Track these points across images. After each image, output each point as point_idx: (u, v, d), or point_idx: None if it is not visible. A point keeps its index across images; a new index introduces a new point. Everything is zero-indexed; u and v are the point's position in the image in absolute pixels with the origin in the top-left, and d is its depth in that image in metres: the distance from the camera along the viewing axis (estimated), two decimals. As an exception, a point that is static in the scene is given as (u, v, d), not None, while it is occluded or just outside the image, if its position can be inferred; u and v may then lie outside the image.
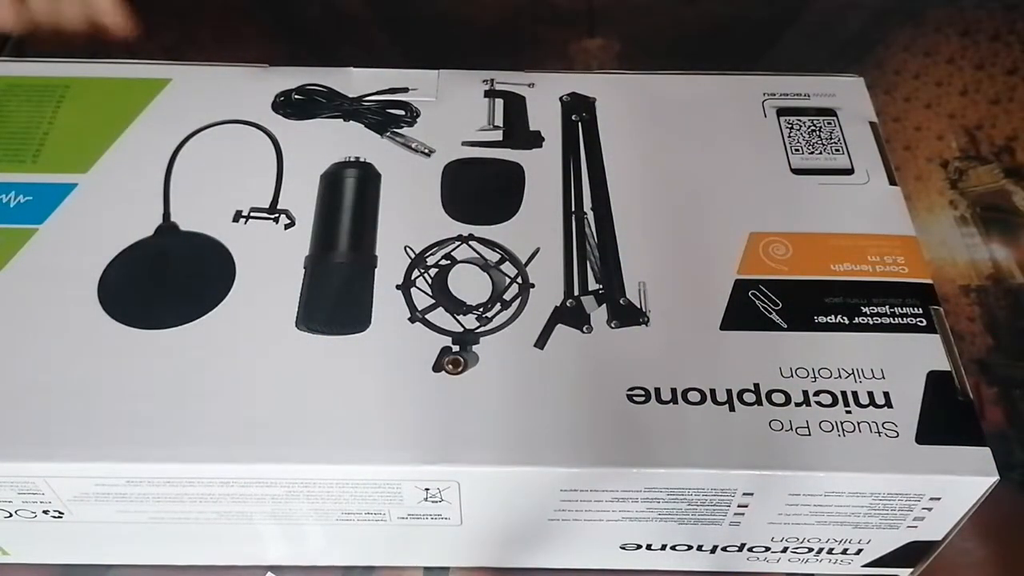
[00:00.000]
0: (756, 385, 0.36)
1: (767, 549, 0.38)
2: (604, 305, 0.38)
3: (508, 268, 0.39)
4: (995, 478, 0.34)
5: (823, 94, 0.46)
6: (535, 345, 0.37)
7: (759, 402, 0.35)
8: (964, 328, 0.48)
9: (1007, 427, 0.44)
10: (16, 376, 0.35)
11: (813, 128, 0.44)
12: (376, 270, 0.39)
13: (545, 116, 0.45)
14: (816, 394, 0.35)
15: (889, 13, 0.62)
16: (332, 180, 0.42)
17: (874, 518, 0.36)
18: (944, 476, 0.34)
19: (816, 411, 0.35)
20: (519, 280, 0.39)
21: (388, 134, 0.44)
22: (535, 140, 0.44)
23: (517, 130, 0.44)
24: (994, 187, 0.54)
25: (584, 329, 0.37)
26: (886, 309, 0.38)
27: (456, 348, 0.36)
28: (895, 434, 0.34)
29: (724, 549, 0.38)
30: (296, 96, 0.45)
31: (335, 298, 0.38)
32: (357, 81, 0.46)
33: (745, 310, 0.38)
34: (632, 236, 0.40)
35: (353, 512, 0.36)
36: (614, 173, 0.42)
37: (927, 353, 0.37)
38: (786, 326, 0.37)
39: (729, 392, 0.35)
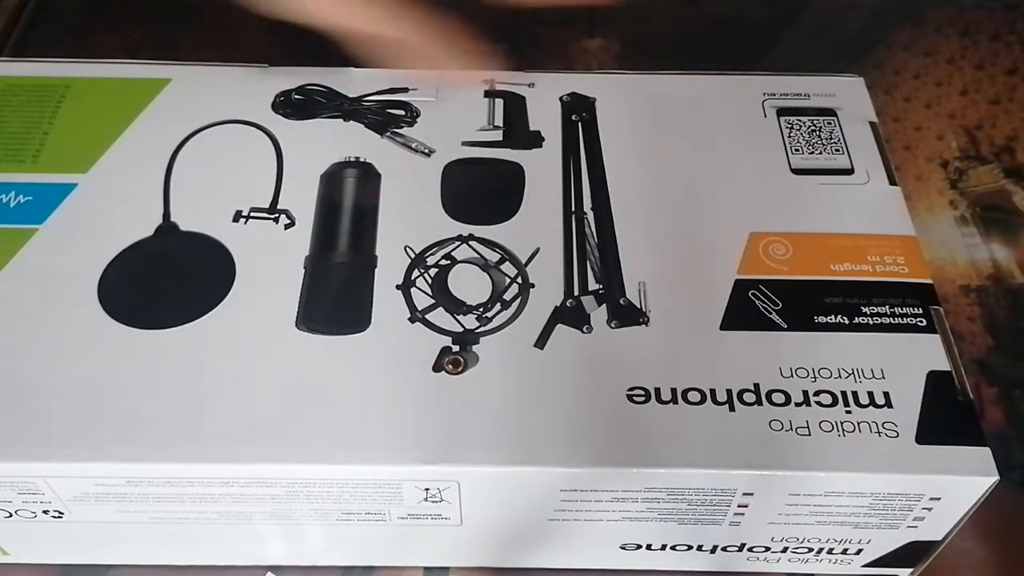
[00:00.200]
0: (756, 385, 0.36)
1: (767, 549, 0.38)
2: (604, 305, 0.38)
3: (508, 268, 0.39)
4: (995, 478, 0.34)
5: (823, 94, 0.46)
6: (535, 345, 0.37)
7: (759, 402, 0.35)
8: (964, 328, 0.48)
9: (1007, 427, 0.44)
10: (16, 376, 0.35)
11: (813, 128, 0.44)
12: (376, 270, 0.39)
13: (545, 116, 0.45)
14: (816, 394, 0.35)
15: (889, 13, 0.62)
16: (332, 180, 0.42)
17: (874, 518, 0.36)
18: (944, 476, 0.34)
19: (816, 411, 0.35)
20: (519, 280, 0.39)
21: (388, 134, 0.44)
22: (535, 140, 0.44)
23: (517, 130, 0.44)
24: (994, 187, 0.54)
25: (584, 329, 0.37)
26: (886, 309, 0.38)
27: (456, 348, 0.36)
28: (895, 434, 0.34)
29: (724, 549, 0.38)
30: (296, 96, 0.45)
31: (335, 298, 0.38)
32: (357, 81, 0.46)
33: (745, 310, 0.38)
34: (632, 236, 0.40)
35: (353, 512, 0.36)
36: (614, 173, 0.42)
37: (927, 353, 0.37)
38: (786, 326, 0.37)
39: (729, 392, 0.35)
